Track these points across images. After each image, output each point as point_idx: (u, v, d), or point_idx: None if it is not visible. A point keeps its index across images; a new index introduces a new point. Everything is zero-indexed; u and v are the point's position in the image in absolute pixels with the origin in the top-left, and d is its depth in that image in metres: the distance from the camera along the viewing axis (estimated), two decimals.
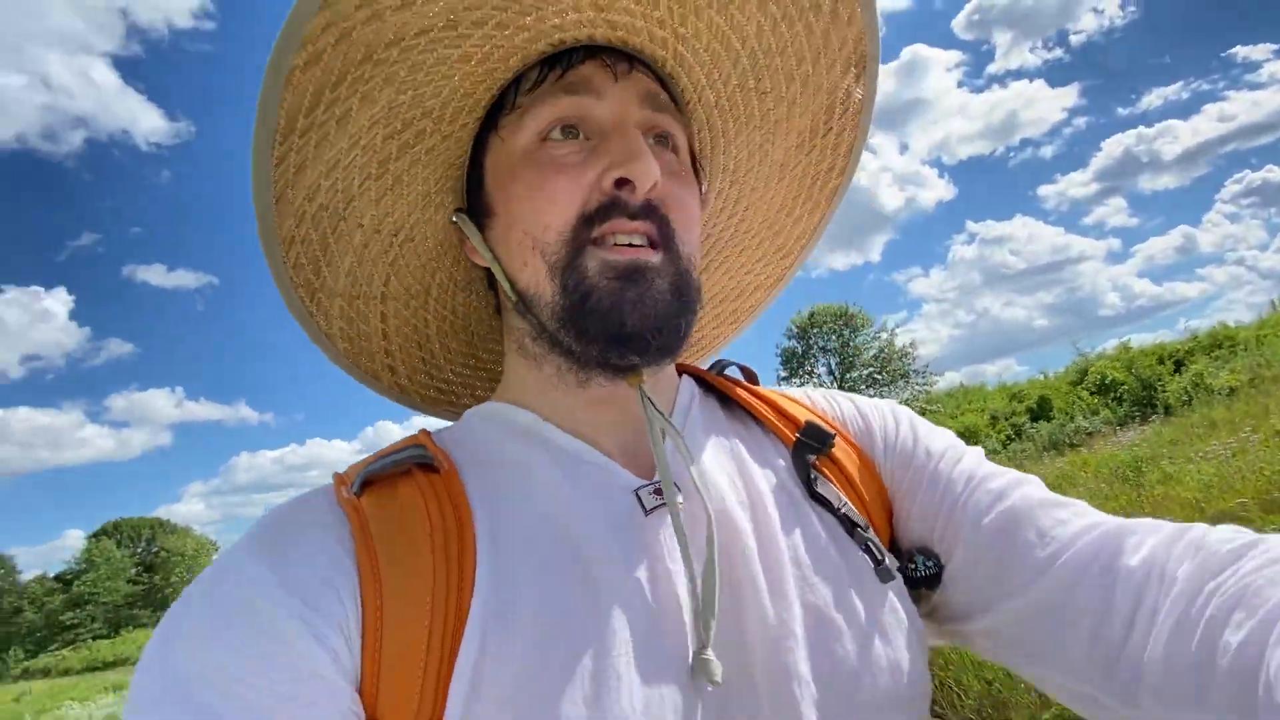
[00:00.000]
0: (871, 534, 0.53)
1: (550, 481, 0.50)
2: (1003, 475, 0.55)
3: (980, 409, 20.79)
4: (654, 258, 0.51)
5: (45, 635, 48.23)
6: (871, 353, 26.72)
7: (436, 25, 0.45)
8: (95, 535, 57.05)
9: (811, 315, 27.02)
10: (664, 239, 0.52)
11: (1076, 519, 0.50)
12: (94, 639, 43.04)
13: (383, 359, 0.64)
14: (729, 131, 0.62)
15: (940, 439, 0.61)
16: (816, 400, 0.65)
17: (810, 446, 0.55)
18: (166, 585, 52.09)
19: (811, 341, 27.35)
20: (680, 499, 0.49)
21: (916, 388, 25.89)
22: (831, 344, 27.15)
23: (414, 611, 0.41)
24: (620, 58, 0.53)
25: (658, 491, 0.49)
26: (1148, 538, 0.46)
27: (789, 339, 27.62)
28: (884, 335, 26.91)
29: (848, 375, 26.35)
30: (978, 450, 0.60)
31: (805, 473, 0.54)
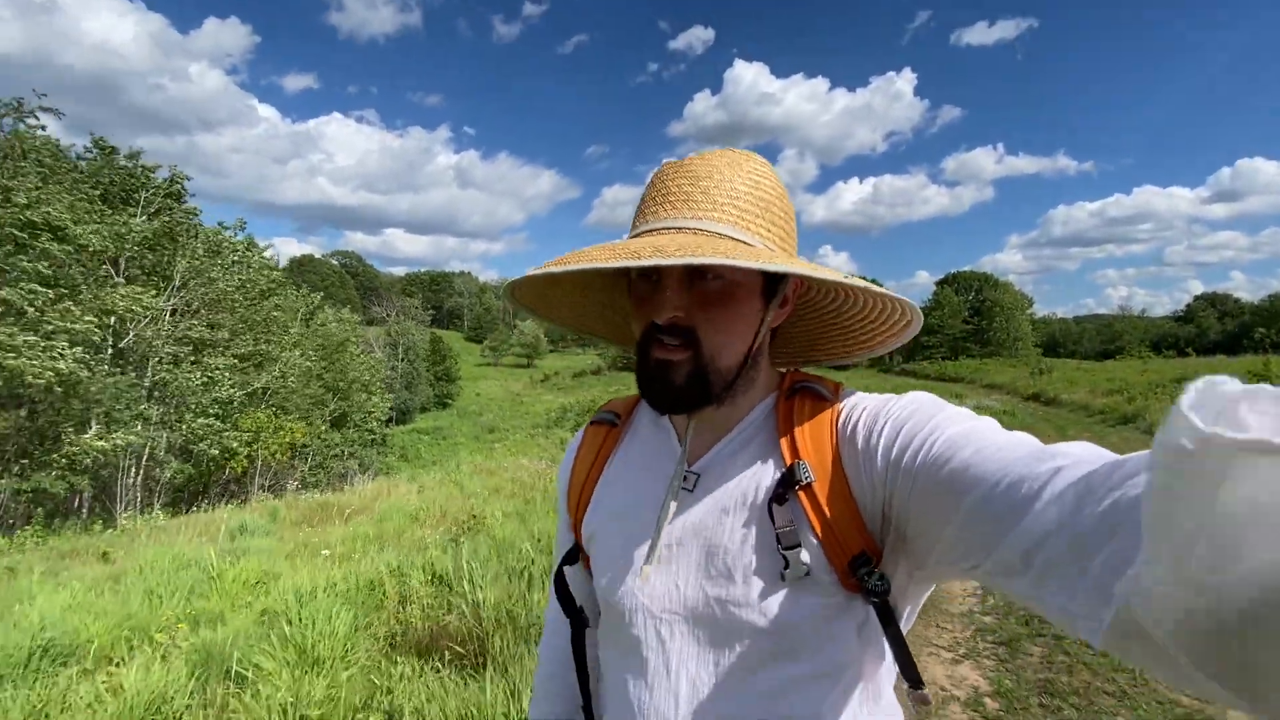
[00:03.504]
0: (800, 551, 0.69)
1: (650, 443, 0.86)
2: (942, 432, 0.62)
3: None
4: (678, 355, 0.73)
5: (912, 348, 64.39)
6: None
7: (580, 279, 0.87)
8: (940, 282, 69.54)
9: None
10: (690, 344, 0.73)
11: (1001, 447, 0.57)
12: (941, 359, 55.59)
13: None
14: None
15: (928, 429, 0.64)
16: (841, 420, 0.74)
17: (787, 480, 0.72)
18: (989, 328, 61.77)
19: None
20: (685, 484, 0.79)
21: None
22: None
23: (577, 480, 0.90)
24: None
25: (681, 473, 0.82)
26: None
27: None
28: None
29: None
30: (957, 425, 0.63)
31: (777, 492, 0.71)
